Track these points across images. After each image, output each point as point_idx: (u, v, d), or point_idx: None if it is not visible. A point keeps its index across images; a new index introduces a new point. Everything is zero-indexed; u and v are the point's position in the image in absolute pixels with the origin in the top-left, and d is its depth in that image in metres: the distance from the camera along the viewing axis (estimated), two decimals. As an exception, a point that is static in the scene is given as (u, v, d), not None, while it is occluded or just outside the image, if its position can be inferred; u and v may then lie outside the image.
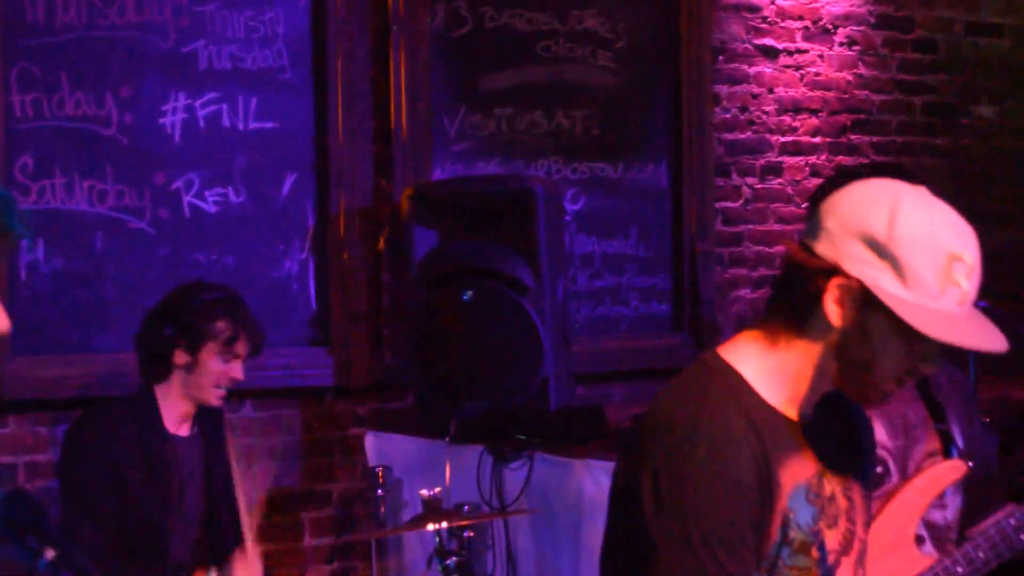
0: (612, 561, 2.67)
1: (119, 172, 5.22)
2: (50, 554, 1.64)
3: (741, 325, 6.64)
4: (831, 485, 2.64)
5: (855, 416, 2.82)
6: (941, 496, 3.53)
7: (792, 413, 2.62)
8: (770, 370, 2.62)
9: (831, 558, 2.63)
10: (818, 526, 2.61)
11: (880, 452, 3.46)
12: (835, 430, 2.71)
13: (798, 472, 2.58)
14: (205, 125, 5.41)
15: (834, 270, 2.51)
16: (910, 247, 2.47)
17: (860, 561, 2.73)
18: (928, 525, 3.50)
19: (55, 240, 5.10)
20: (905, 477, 3.49)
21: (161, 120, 5.31)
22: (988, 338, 2.50)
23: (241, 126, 5.48)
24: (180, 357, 4.46)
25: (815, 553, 2.60)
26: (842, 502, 2.66)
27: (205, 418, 4.66)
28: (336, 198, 5.66)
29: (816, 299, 2.53)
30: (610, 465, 4.80)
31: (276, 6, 5.54)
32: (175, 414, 4.56)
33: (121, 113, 5.23)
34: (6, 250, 1.89)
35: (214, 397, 4.52)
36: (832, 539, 2.63)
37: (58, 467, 4.56)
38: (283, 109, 5.57)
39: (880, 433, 3.45)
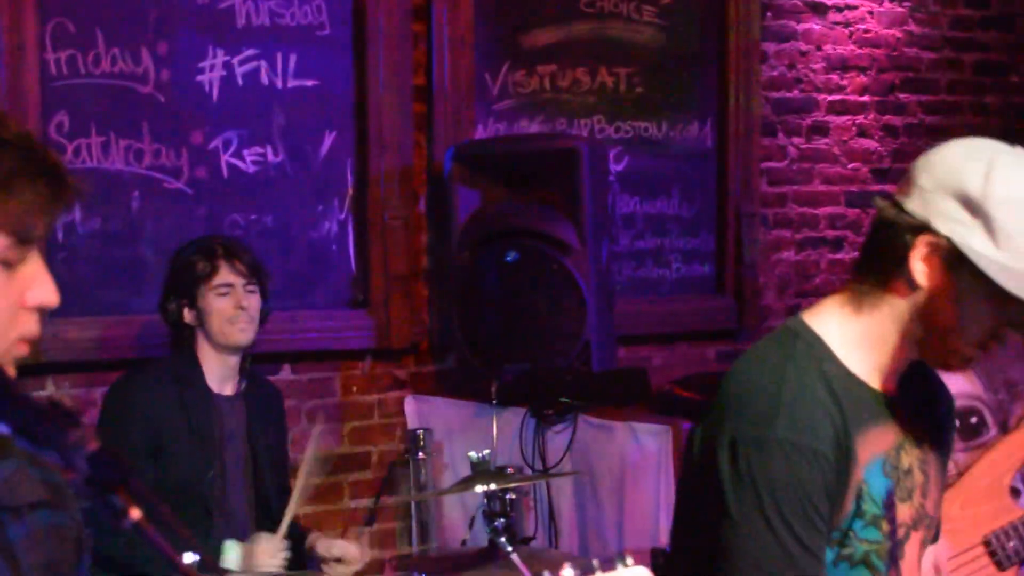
0: (685, 531, 2.67)
1: (156, 131, 5.20)
2: (136, 514, 1.61)
3: (784, 287, 6.68)
4: (909, 458, 2.63)
5: (938, 391, 2.80)
6: None
7: (876, 383, 2.61)
8: (855, 337, 2.60)
9: (901, 532, 2.62)
10: (892, 499, 2.59)
11: (976, 404, 3.52)
12: (918, 403, 2.69)
13: (877, 443, 2.57)
14: (243, 83, 5.38)
15: (923, 226, 2.48)
16: (1004, 206, 2.44)
17: (927, 536, 2.73)
18: None
19: (92, 200, 5.07)
20: (1005, 431, 3.45)
21: (199, 78, 5.28)
22: None
23: (280, 84, 5.46)
24: (189, 316, 4.50)
25: (886, 526, 2.59)
26: (918, 476, 2.66)
27: (253, 381, 4.68)
28: (376, 157, 5.64)
29: (903, 257, 2.51)
30: (654, 428, 4.90)
31: (316, -39, 5.54)
32: (216, 373, 4.56)
33: (158, 70, 5.19)
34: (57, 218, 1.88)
35: (236, 333, 4.49)
36: (904, 513, 2.62)
37: (97, 425, 4.54)
38: (322, 66, 5.55)
39: (977, 386, 3.52)
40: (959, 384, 3.26)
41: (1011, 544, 3.41)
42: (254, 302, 4.51)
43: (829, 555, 2.56)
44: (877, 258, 2.59)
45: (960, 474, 3.26)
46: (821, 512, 2.49)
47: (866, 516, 2.56)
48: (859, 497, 2.54)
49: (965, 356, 2.57)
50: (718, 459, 2.51)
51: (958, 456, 3.42)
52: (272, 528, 4.55)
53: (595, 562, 1.98)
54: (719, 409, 2.57)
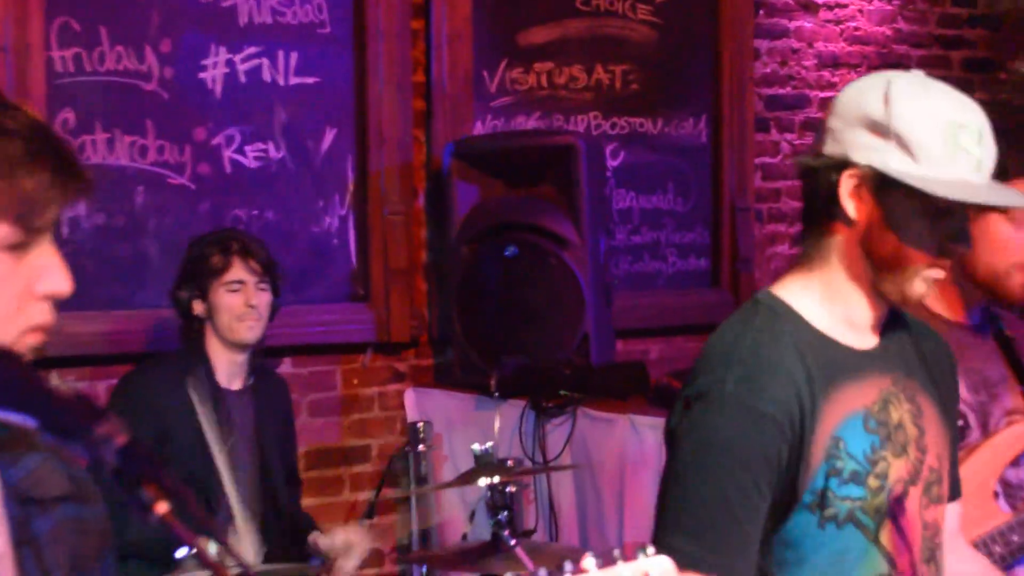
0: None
1: (160, 127, 5.18)
2: (163, 508, 1.61)
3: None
4: (899, 412, 2.61)
5: (934, 345, 2.79)
6: (1018, 456, 3.48)
7: (850, 339, 2.60)
8: (817, 294, 2.60)
9: (898, 488, 2.59)
10: (879, 454, 2.57)
11: (961, 407, 3.37)
12: (909, 358, 2.69)
13: (854, 400, 2.56)
14: (245, 80, 5.37)
15: (843, 163, 2.51)
16: (909, 121, 2.46)
17: (928, 491, 2.69)
18: (1003, 483, 3.46)
19: (96, 195, 5.02)
20: (986, 433, 3.45)
21: (201, 75, 5.27)
22: (1007, 197, 2.55)
23: (281, 81, 5.45)
24: (199, 308, 4.50)
25: (873, 482, 2.57)
26: (912, 430, 2.63)
27: (261, 375, 4.69)
28: (376, 153, 5.63)
29: (832, 198, 2.52)
30: (653, 421, 4.88)
31: (318, -40, 5.55)
32: (224, 367, 4.57)
33: (161, 68, 5.18)
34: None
35: (244, 330, 4.50)
36: (899, 468, 2.60)
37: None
38: (323, 64, 5.54)
39: (960, 387, 3.41)
40: None
41: (997, 549, 3.34)
42: (264, 300, 4.51)
43: (811, 520, 2.53)
44: (811, 210, 2.61)
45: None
46: (756, 475, 2.49)
47: (843, 473, 2.53)
48: (831, 456, 2.52)
49: (921, 283, 2.56)
50: (672, 417, 2.54)
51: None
52: (278, 521, 4.60)
53: (616, 552, 2.01)
54: (688, 379, 2.59)
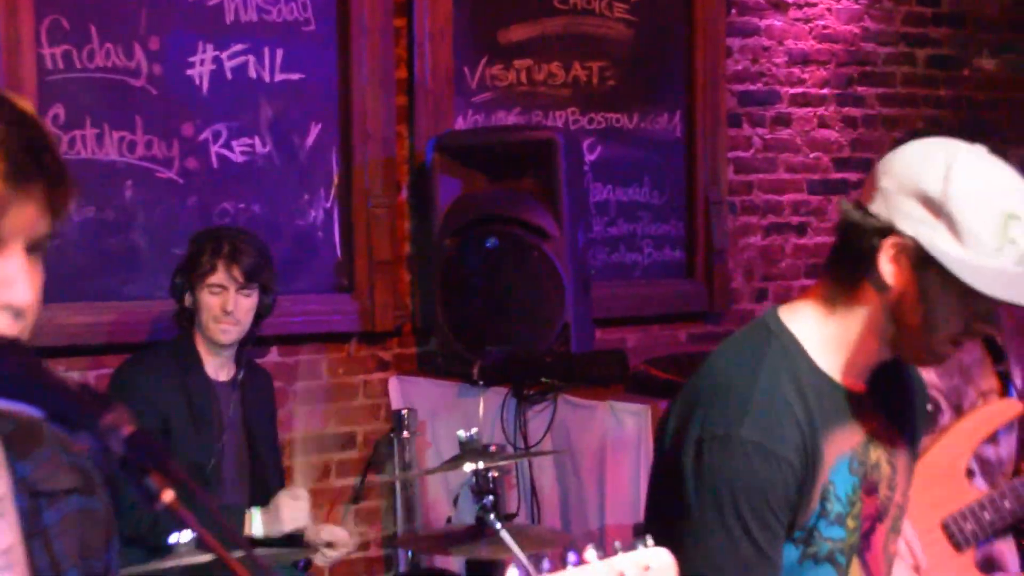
0: (655, 519, 2.66)
1: (148, 123, 5.18)
2: (168, 496, 1.59)
3: (751, 271, 6.70)
4: (877, 452, 2.61)
5: (909, 381, 2.79)
6: (995, 433, 3.51)
7: (847, 380, 2.59)
8: (828, 337, 2.59)
9: (866, 525, 2.61)
10: (857, 495, 2.58)
11: (932, 392, 3.42)
12: (888, 396, 2.68)
13: (844, 442, 2.56)
14: (232, 76, 5.36)
15: (889, 228, 2.46)
16: (965, 204, 2.41)
17: (895, 527, 2.72)
18: (980, 460, 3.51)
19: (86, 190, 5.03)
20: (959, 415, 3.49)
21: (189, 71, 5.26)
22: None
23: (267, 77, 5.44)
24: (188, 300, 4.54)
25: (851, 523, 2.58)
26: (885, 469, 2.64)
27: (248, 368, 4.70)
28: (360, 148, 5.63)
29: (871, 259, 2.48)
30: (633, 407, 4.89)
31: (303, -41, 5.55)
32: (212, 360, 4.60)
33: (150, 64, 5.17)
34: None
35: (217, 332, 4.51)
36: (869, 505, 2.60)
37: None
38: (308, 60, 5.53)
39: (931, 374, 3.42)
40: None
41: (968, 526, 3.40)
42: (244, 305, 4.51)
43: (794, 554, 2.54)
44: (846, 260, 2.57)
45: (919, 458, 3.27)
46: (779, 516, 2.48)
47: (831, 515, 2.54)
48: (824, 498, 2.53)
49: (939, 353, 2.56)
50: (683, 455, 2.50)
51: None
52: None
53: (617, 544, 1.98)
54: (690, 403, 2.57)
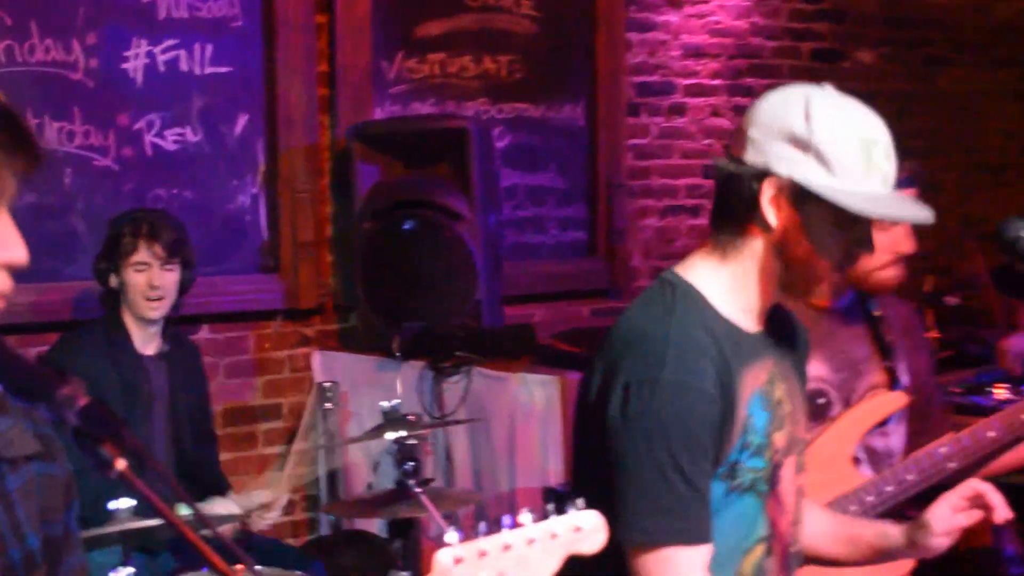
0: (583, 474, 2.65)
1: (86, 113, 5.17)
2: (121, 464, 1.61)
3: (648, 251, 6.78)
4: (779, 390, 2.63)
5: (795, 330, 2.81)
6: (884, 425, 3.52)
7: (747, 324, 2.62)
8: (725, 284, 2.60)
9: (777, 458, 2.62)
10: (771, 429, 2.60)
11: (822, 385, 3.46)
12: (780, 341, 2.70)
13: (754, 379, 2.58)
14: (164, 70, 5.35)
15: (765, 172, 2.49)
16: (829, 137, 2.45)
17: (799, 461, 2.73)
18: (868, 450, 3.49)
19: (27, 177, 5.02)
20: (848, 407, 3.49)
21: (124, 65, 5.25)
22: (915, 211, 2.53)
23: (197, 71, 5.43)
24: (114, 281, 4.54)
25: (767, 455, 2.59)
26: (787, 406, 2.65)
27: (174, 342, 4.70)
28: (284, 136, 5.63)
29: (753, 204, 2.51)
30: (542, 378, 4.95)
31: (229, -42, 5.51)
32: (139, 336, 4.60)
33: (87, 59, 5.16)
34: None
35: (147, 309, 4.52)
36: (779, 440, 2.62)
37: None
38: (236, 55, 5.52)
39: (822, 368, 3.44)
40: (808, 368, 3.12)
41: (852, 508, 3.34)
42: (169, 280, 4.52)
43: (720, 488, 2.54)
44: (730, 210, 2.57)
45: (807, 444, 3.24)
46: (707, 449, 2.48)
47: (752, 447, 2.55)
48: (745, 431, 2.53)
49: (823, 283, 2.58)
50: (610, 405, 2.50)
51: (808, 428, 3.18)
52: (189, 482, 4.58)
53: (550, 507, 1.96)
54: (611, 358, 2.55)
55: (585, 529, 1.99)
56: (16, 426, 1.89)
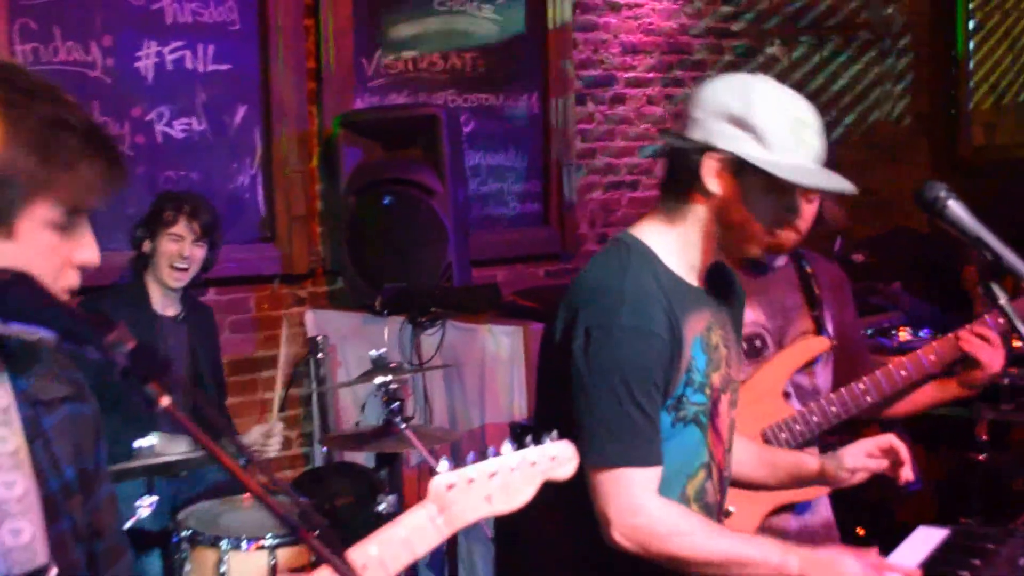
0: (547, 407, 2.66)
1: (104, 106, 5.10)
2: (166, 401, 1.58)
3: (594, 220, 6.77)
4: (716, 336, 2.64)
5: (733, 287, 2.82)
6: (811, 365, 3.52)
7: (690, 279, 2.62)
8: (672, 244, 2.60)
9: (714, 394, 2.65)
10: (710, 369, 2.61)
11: (759, 330, 3.46)
12: (718, 295, 2.72)
13: (696, 325, 2.58)
14: (172, 68, 5.30)
15: (707, 147, 2.49)
16: (765, 117, 2.46)
17: (733, 398, 2.75)
18: (797, 386, 3.50)
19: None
20: (780, 348, 3.49)
21: (136, 64, 5.20)
22: (839, 183, 2.51)
23: (201, 68, 5.38)
24: (147, 247, 4.49)
25: (708, 391, 2.62)
26: (723, 350, 2.67)
27: (192, 306, 4.66)
28: (278, 125, 5.60)
29: (696, 175, 2.51)
30: (507, 328, 4.93)
31: (228, -31, 5.50)
32: (159, 298, 4.55)
33: (104, 58, 5.10)
34: None
35: (170, 278, 4.48)
36: (716, 380, 2.64)
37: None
38: (234, 54, 5.48)
39: (759, 315, 3.45)
40: (747, 314, 3.18)
41: (783, 435, 3.38)
42: (197, 254, 4.49)
43: (668, 419, 2.55)
44: (676, 180, 2.58)
45: (745, 382, 3.15)
46: (658, 384, 2.50)
47: (695, 384, 2.57)
48: (689, 369, 2.55)
49: (758, 245, 2.58)
50: (574, 346, 2.50)
51: (746, 368, 3.38)
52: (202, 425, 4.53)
53: (528, 439, 2.05)
54: (573, 307, 2.56)
55: (560, 457, 2.08)
56: (50, 372, 1.89)
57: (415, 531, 1.97)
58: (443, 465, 1.98)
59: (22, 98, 1.70)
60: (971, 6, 8.63)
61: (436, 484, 1.97)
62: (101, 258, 4.91)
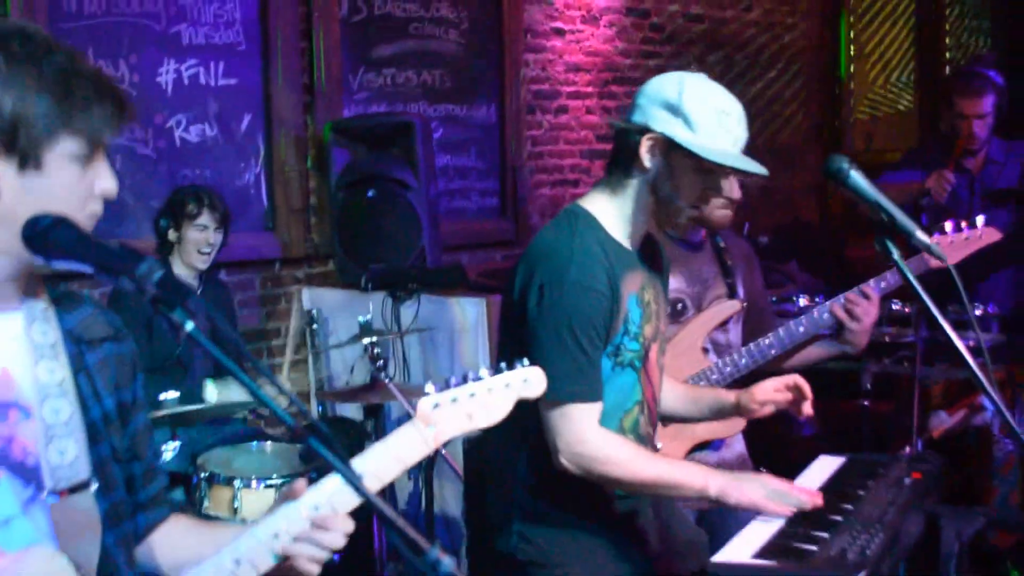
0: (508, 347, 2.61)
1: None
2: (189, 325, 1.55)
3: (543, 213, 6.78)
4: (648, 295, 2.65)
5: (661, 254, 2.83)
6: (725, 324, 3.53)
7: (629, 245, 2.63)
8: (613, 213, 2.61)
9: (646, 343, 2.65)
10: (643, 321, 2.61)
11: (681, 295, 3.46)
12: (650, 261, 2.72)
13: (632, 284, 2.59)
14: (188, 82, 5.26)
15: (646, 129, 2.50)
16: (694, 106, 2.46)
17: (661, 348, 2.76)
18: (714, 343, 3.54)
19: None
20: (699, 311, 3.51)
21: (158, 79, 5.16)
22: (754, 166, 2.52)
23: (213, 83, 5.35)
24: (172, 235, 4.48)
25: (642, 340, 2.62)
26: (653, 306, 2.67)
27: (210, 284, 4.66)
28: (278, 131, 5.56)
29: (635, 152, 2.51)
30: (473, 300, 4.92)
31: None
32: (184, 278, 4.53)
33: (131, 74, 5.06)
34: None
35: (199, 261, 4.49)
36: (648, 331, 2.65)
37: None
38: (241, 71, 5.45)
39: (681, 283, 3.46)
40: (671, 282, 3.22)
41: (701, 384, 3.38)
42: (218, 240, 4.51)
43: (608, 364, 2.56)
44: (619, 157, 2.57)
45: (669, 339, 3.13)
46: (599, 332, 2.50)
47: (631, 333, 2.58)
48: (625, 321, 2.56)
49: (685, 216, 2.58)
50: (529, 299, 2.51)
51: (670, 328, 3.28)
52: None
53: (503, 365, 2.02)
54: (529, 265, 2.55)
55: (530, 380, 2.03)
56: (92, 315, 1.87)
57: (405, 445, 1.92)
58: (430, 387, 1.93)
59: (41, 51, 1.69)
60: (851, 35, 8.76)
61: (424, 404, 1.92)
62: (136, 245, 4.79)
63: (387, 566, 4.38)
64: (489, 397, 1.96)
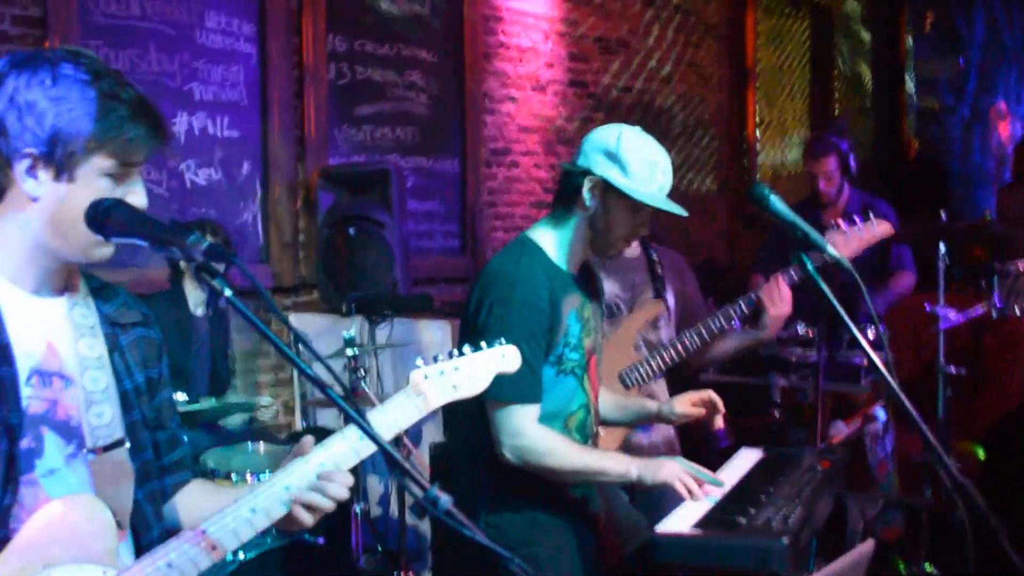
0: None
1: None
2: (228, 292, 1.57)
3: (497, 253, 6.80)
4: (587, 312, 2.66)
5: (596, 278, 2.82)
6: (656, 325, 3.56)
7: (569, 269, 2.63)
8: (556, 242, 2.60)
9: (587, 354, 2.67)
10: (583, 335, 2.62)
11: (616, 299, 3.49)
12: (586, 284, 2.72)
13: (571, 303, 2.60)
14: (198, 133, 5.25)
15: (587, 172, 2.53)
16: (629, 154, 2.48)
17: (599, 359, 2.77)
18: (645, 341, 3.53)
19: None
20: (631, 312, 3.54)
21: (172, 128, 5.14)
22: (677, 208, 2.53)
23: (219, 134, 5.34)
24: (182, 264, 4.46)
25: (581, 351, 2.63)
26: (592, 322, 2.68)
27: (215, 307, 4.64)
28: (273, 176, 5.55)
29: (578, 191, 2.53)
30: (438, 324, 4.94)
31: (239, 63, 5.40)
32: (194, 301, 4.56)
33: (149, 124, 5.07)
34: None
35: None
36: (587, 343, 2.66)
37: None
38: (243, 124, 5.43)
39: (617, 288, 3.49)
40: (607, 287, 3.24)
41: (633, 376, 3.38)
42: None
43: (551, 372, 2.55)
44: (563, 195, 2.58)
45: (605, 336, 3.10)
46: (540, 343, 2.50)
47: (571, 344, 2.58)
48: (566, 334, 2.56)
49: (618, 248, 2.60)
50: (481, 314, 2.51)
51: (607, 327, 3.31)
52: (220, 392, 4.56)
53: (483, 343, 2.03)
54: (483, 286, 2.55)
55: (507, 356, 2.04)
56: (125, 303, 1.90)
57: (399, 412, 1.88)
58: (419, 360, 1.91)
59: (88, 75, 1.66)
60: (756, 106, 9.00)
61: (415, 375, 1.89)
62: (148, 272, 4.74)
63: (362, 557, 4.40)
64: (472, 370, 1.95)
